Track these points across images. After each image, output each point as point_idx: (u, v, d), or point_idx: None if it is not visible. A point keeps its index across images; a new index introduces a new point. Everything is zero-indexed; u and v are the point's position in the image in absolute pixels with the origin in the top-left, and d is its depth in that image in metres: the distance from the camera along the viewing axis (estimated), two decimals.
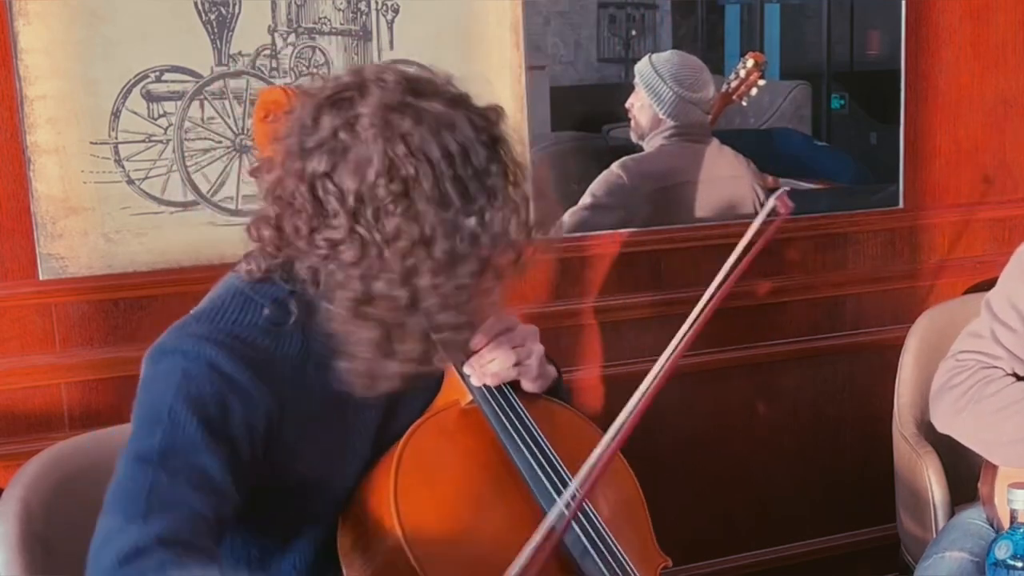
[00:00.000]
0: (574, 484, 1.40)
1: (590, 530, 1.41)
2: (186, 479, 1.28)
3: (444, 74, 1.39)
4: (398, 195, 1.29)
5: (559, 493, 1.42)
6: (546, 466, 1.45)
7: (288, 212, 1.35)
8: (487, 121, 1.35)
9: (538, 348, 1.53)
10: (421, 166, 1.28)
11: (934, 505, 2.13)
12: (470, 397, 1.51)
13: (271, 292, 1.40)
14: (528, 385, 1.54)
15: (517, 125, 2.35)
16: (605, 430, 1.45)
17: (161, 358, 1.36)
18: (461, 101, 1.35)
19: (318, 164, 1.31)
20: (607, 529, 1.44)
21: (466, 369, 1.49)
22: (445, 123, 1.30)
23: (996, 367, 1.83)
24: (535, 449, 1.46)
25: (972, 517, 1.92)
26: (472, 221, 1.30)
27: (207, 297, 1.44)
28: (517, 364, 1.49)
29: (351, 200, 1.30)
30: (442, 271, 1.30)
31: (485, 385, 1.49)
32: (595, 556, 1.41)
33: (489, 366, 1.48)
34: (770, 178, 2.60)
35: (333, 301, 1.34)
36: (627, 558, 1.43)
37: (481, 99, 1.38)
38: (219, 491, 1.31)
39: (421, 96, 1.32)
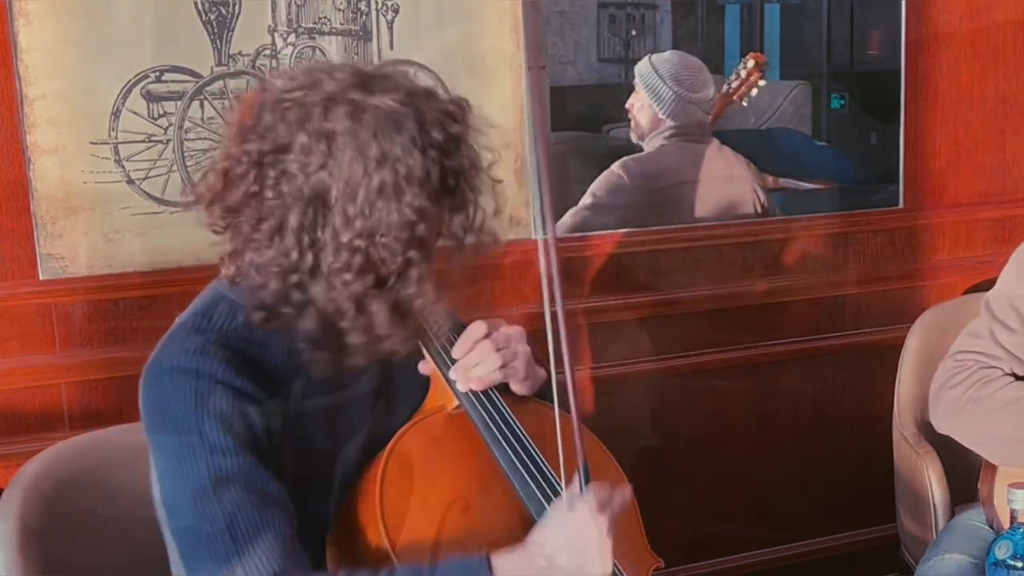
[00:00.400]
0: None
1: None
2: (252, 504, 1.30)
3: (406, 69, 1.39)
4: (339, 189, 1.30)
5: (546, 497, 1.42)
6: (533, 470, 1.45)
7: (219, 200, 1.37)
8: (444, 116, 1.34)
9: (524, 350, 1.51)
10: (362, 164, 1.29)
11: (934, 505, 2.13)
12: (456, 402, 1.50)
13: (255, 297, 1.40)
14: (516, 387, 1.53)
15: (517, 125, 2.35)
16: (598, 432, 1.45)
17: (162, 377, 1.36)
18: (416, 97, 1.34)
19: (252, 148, 1.33)
20: None
21: (451, 374, 1.48)
22: (391, 119, 1.30)
23: (995, 367, 1.83)
24: (522, 453, 1.45)
25: (972, 519, 1.92)
26: (403, 219, 1.30)
27: (192, 304, 1.44)
28: (503, 367, 1.48)
29: (292, 197, 1.31)
30: (371, 266, 1.32)
31: (470, 390, 1.48)
32: None
33: (474, 370, 1.47)
34: (770, 178, 2.61)
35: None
36: (616, 561, 1.42)
37: (449, 92, 1.38)
38: (280, 502, 1.33)
39: (370, 92, 1.32)
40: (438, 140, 1.32)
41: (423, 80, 1.41)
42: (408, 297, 1.35)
